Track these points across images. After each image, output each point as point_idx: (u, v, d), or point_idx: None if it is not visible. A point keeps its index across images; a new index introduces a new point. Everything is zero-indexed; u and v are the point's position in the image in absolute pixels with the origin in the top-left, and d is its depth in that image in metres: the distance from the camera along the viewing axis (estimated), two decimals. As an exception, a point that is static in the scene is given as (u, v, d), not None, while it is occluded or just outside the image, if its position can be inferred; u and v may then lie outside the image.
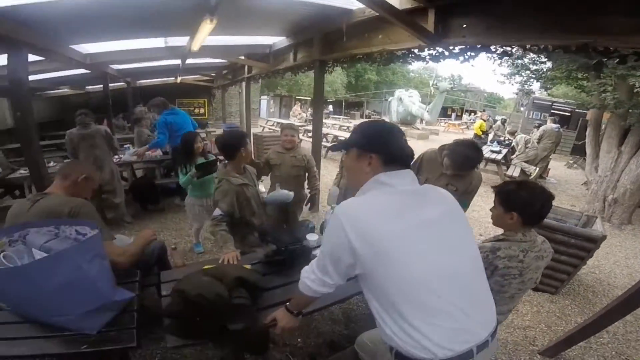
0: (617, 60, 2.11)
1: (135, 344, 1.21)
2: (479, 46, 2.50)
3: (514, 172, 6.86)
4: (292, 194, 2.41)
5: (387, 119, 16.59)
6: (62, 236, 1.33)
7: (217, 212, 1.98)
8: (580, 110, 10.99)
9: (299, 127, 11.58)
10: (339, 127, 11.25)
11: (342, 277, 1.09)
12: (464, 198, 2.25)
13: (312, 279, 1.15)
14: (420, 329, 0.94)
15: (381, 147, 1.09)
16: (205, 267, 1.55)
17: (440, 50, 2.73)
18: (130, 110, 9.02)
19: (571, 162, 10.07)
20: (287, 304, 1.35)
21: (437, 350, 0.93)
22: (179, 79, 9.54)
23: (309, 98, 19.96)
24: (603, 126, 6.45)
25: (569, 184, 7.64)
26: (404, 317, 0.95)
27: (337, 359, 1.25)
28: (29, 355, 1.14)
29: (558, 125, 7.91)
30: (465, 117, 23.58)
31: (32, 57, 3.24)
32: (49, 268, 1.08)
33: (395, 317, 0.97)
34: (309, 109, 15.73)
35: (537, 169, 7.10)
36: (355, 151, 1.15)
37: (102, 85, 6.96)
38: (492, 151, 7.50)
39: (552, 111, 13.16)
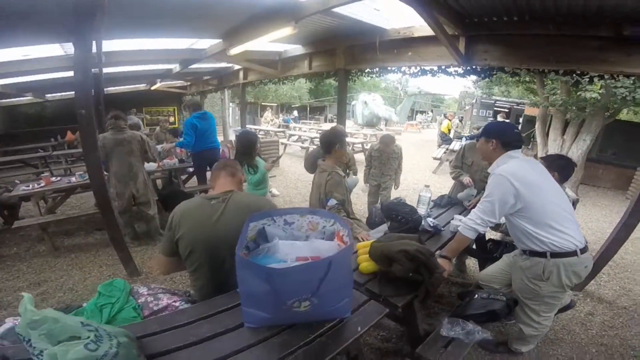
0: (591, 79, 3.12)
1: (386, 312, 1.39)
2: (496, 67, 3.32)
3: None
4: (358, 178, 2.88)
5: (352, 122, 17.61)
6: (280, 224, 1.44)
7: (333, 202, 2.27)
8: (517, 107, 13.09)
9: (276, 132, 11.87)
10: (316, 130, 11.81)
11: (502, 216, 1.72)
12: None
13: (478, 222, 1.72)
14: (565, 231, 1.62)
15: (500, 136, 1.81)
16: (362, 243, 1.89)
17: (467, 68, 3.43)
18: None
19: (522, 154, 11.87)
20: (442, 253, 1.84)
21: (577, 243, 1.62)
22: (157, 85, 9.19)
23: (275, 104, 20.20)
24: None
25: None
26: (554, 227, 1.62)
27: (475, 300, 1.76)
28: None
29: (505, 120, 9.63)
30: (420, 116, 25.72)
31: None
32: (345, 260, 1.22)
33: (548, 229, 1.62)
34: (280, 115, 16.03)
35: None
36: (483, 139, 1.81)
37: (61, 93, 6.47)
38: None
39: (495, 108, 15.23)
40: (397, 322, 2.21)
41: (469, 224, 1.75)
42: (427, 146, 12.05)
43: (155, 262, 1.79)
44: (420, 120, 22.34)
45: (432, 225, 2.30)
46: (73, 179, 3.93)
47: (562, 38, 2.75)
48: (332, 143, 2.40)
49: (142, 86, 9.90)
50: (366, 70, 4.41)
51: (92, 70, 2.69)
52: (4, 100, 8.57)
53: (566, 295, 2.00)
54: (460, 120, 12.66)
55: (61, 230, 3.91)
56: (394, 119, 14.73)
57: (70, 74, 2.43)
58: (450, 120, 11.61)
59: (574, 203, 3.68)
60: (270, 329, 1.23)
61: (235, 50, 3.93)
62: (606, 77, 3.18)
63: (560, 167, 2.31)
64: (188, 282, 2.90)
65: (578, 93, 5.67)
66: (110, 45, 3.95)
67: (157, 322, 1.29)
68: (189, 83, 10.43)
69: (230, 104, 20.02)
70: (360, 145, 9.77)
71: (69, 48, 3.86)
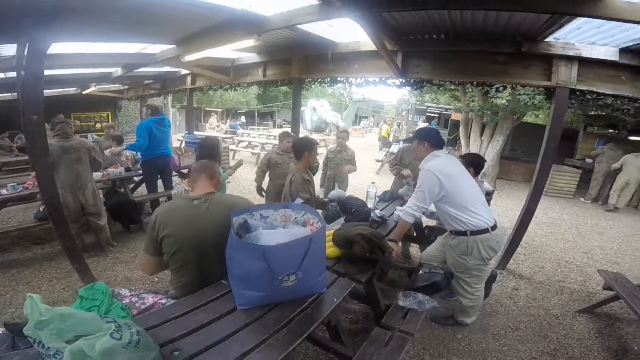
0: (496, 89, 3.86)
1: (353, 285, 1.73)
2: (426, 80, 3.92)
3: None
4: (343, 192, 3.22)
5: (302, 128, 17.99)
6: (256, 218, 1.67)
7: (299, 200, 2.49)
8: (446, 112, 14.81)
9: (224, 139, 11.61)
10: (266, 137, 11.90)
11: (431, 202, 2.16)
12: None
13: (414, 209, 2.13)
14: (479, 212, 2.10)
15: (429, 139, 2.27)
16: (330, 232, 2.16)
17: (403, 80, 3.95)
18: (20, 128, 7.58)
19: (446, 152, 13.39)
20: (390, 237, 2.22)
21: (488, 222, 2.10)
22: (91, 89, 8.44)
23: (220, 110, 19.65)
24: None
25: None
26: (470, 210, 2.09)
27: (420, 275, 2.20)
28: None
29: (427, 124, 11.02)
30: (365, 122, 27.22)
31: None
32: (321, 240, 1.50)
33: (466, 212, 2.09)
34: (227, 121, 15.69)
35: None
36: (416, 142, 2.24)
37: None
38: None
39: (427, 114, 16.95)
40: (362, 302, 2.54)
41: (407, 210, 2.18)
42: (369, 149, 12.93)
43: (141, 262, 1.81)
44: (364, 125, 23.74)
45: (379, 215, 2.75)
46: (4, 191, 3.55)
47: (477, 54, 3.37)
48: (302, 150, 2.71)
49: (71, 90, 8.99)
50: (318, 80, 4.74)
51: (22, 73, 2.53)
52: None
53: (488, 268, 2.51)
54: (398, 125, 13.86)
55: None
56: (341, 125, 15.50)
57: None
58: (389, 125, 12.66)
59: (490, 193, 4.49)
60: (262, 309, 1.43)
61: (190, 57, 3.95)
62: (508, 87, 3.96)
63: (474, 163, 2.96)
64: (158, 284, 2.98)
65: (491, 100, 6.75)
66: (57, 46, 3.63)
67: (155, 315, 1.40)
68: (126, 87, 9.74)
69: (171, 108, 18.97)
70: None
71: (5, 49, 3.51)
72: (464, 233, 2.11)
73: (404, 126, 17.42)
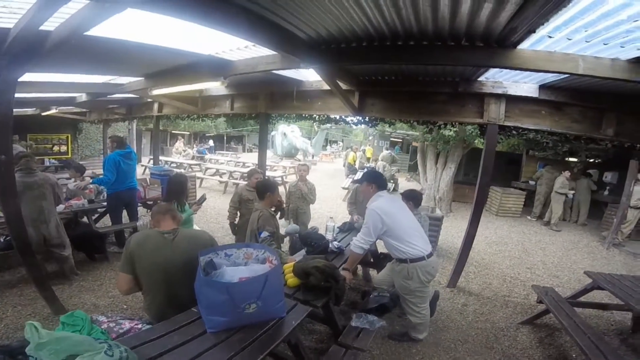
0: (438, 127, 4.37)
1: (310, 310, 1.96)
2: (379, 118, 4.36)
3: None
4: (297, 227, 3.47)
5: (271, 152, 18.23)
6: (221, 256, 1.93)
7: (265, 234, 2.72)
8: (409, 138, 15.86)
9: (190, 165, 11.50)
10: (234, 163, 11.95)
11: (376, 236, 2.48)
12: None
13: (362, 242, 2.47)
14: (416, 243, 2.45)
15: (376, 181, 2.62)
16: (287, 265, 2.39)
17: (359, 118, 4.41)
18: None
19: (409, 176, 14.26)
20: (344, 265, 2.52)
21: (424, 251, 2.46)
22: (52, 112, 8.15)
23: (187, 133, 19.44)
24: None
25: None
26: (408, 241, 2.45)
27: (371, 299, 2.51)
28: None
29: (390, 151, 12.01)
30: (329, 148, 28.09)
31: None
32: (277, 275, 1.77)
33: (405, 243, 2.45)
34: (194, 146, 15.57)
35: (393, 184, 10.21)
36: (365, 183, 2.59)
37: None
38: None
39: (391, 139, 18.01)
40: (323, 323, 2.77)
41: (356, 243, 2.52)
42: (338, 175, 13.47)
43: (118, 281, 1.92)
44: (333, 151, 24.57)
45: (336, 247, 3.08)
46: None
47: (422, 95, 3.80)
48: (264, 191, 2.97)
49: (30, 110, 8.63)
50: (285, 115, 5.09)
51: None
52: None
53: (430, 289, 2.83)
54: (364, 152, 14.63)
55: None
56: (310, 151, 15.94)
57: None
58: (355, 152, 13.33)
59: (440, 219, 5.01)
60: (228, 332, 1.65)
61: (158, 92, 4.13)
62: (448, 125, 4.41)
63: (412, 197, 3.40)
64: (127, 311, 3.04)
65: (440, 131, 7.51)
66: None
67: (134, 338, 1.58)
68: (88, 110, 9.50)
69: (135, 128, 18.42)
70: (280, 179, 10.24)
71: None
72: (404, 261, 2.47)
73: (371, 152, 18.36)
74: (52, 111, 8.17)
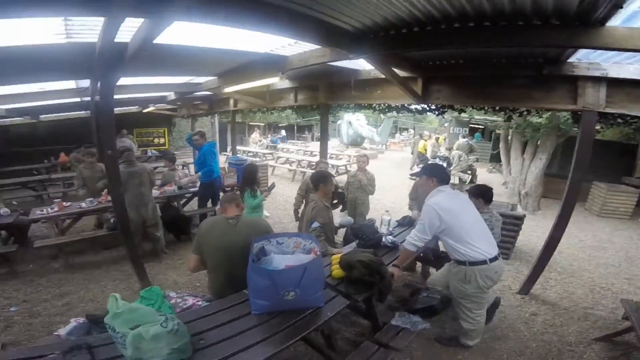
0: (520, 114, 3.80)
1: (348, 303, 2.04)
2: (446, 105, 3.98)
3: (454, 180, 8.71)
4: (351, 219, 3.48)
5: (337, 141, 18.39)
6: (273, 244, 2.12)
7: (316, 224, 2.83)
8: (491, 125, 14.13)
9: (264, 154, 12.34)
10: (303, 152, 12.42)
11: (432, 234, 2.30)
12: None
13: (416, 239, 2.30)
14: (477, 245, 2.21)
15: (437, 175, 2.39)
16: (335, 256, 2.45)
17: (424, 105, 4.11)
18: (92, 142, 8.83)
19: (491, 167, 12.81)
20: (394, 262, 2.42)
21: (486, 254, 2.21)
22: (149, 109, 9.66)
23: (263, 124, 20.84)
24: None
25: (492, 185, 9.60)
26: (468, 242, 2.22)
27: (419, 299, 2.38)
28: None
29: (466, 139, 10.68)
30: (398, 135, 26.87)
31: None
32: (317, 266, 1.87)
33: (464, 244, 2.22)
34: (269, 135, 16.66)
35: (470, 176, 9.29)
36: (425, 177, 2.39)
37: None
38: None
39: (470, 125, 16.32)
40: (364, 318, 2.76)
41: (409, 240, 2.37)
42: (405, 164, 12.87)
43: (188, 260, 2.30)
44: (403, 139, 23.44)
45: (390, 242, 2.97)
46: (83, 204, 4.36)
47: (497, 78, 3.35)
48: (318, 182, 3.05)
49: (134, 109, 10.37)
50: (344, 106, 5.07)
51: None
52: None
53: (490, 295, 2.57)
54: (437, 140, 13.59)
55: (72, 249, 4.30)
56: (376, 139, 15.56)
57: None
58: (425, 140, 12.49)
59: (521, 218, 4.40)
60: (269, 315, 1.81)
61: (228, 89, 4.54)
62: (532, 111, 3.78)
63: (481, 194, 3.05)
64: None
65: (527, 118, 6.49)
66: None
67: (192, 313, 1.87)
68: (179, 104, 10.95)
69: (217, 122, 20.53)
70: (344, 168, 10.32)
71: (81, 82, 4.42)
72: (463, 263, 2.26)
73: (446, 138, 16.94)
74: (150, 108, 9.63)
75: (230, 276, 2.13)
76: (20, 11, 1.46)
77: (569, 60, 2.86)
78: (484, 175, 11.84)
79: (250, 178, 3.85)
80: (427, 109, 4.21)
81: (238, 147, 14.35)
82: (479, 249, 2.22)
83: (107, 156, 2.90)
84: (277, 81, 3.64)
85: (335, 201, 4.00)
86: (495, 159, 11.98)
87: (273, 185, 4.16)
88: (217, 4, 1.73)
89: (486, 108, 3.96)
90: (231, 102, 7.78)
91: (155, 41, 2.07)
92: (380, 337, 2.07)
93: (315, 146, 17.57)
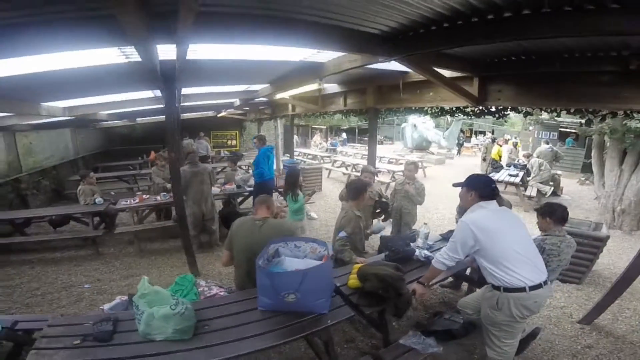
0: (603, 117, 3.11)
1: (353, 314, 2.00)
2: (509, 107, 3.52)
3: (532, 192, 7.62)
4: (385, 224, 3.30)
5: (401, 145, 17.66)
6: (290, 247, 2.23)
7: (343, 234, 2.80)
8: (587, 129, 11.93)
9: (322, 157, 12.55)
10: (360, 156, 12.27)
11: (464, 254, 2.07)
12: None
13: (446, 258, 2.11)
14: (516, 270, 1.91)
15: (478, 188, 2.12)
16: (356, 265, 2.40)
17: (481, 108, 3.70)
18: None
19: (583, 179, 10.86)
20: (420, 279, 2.26)
21: (527, 281, 1.90)
22: (223, 113, 10.73)
23: (324, 127, 21.30)
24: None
25: (583, 199, 8.42)
26: (506, 266, 1.93)
27: (446, 320, 2.14)
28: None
29: (550, 145, 9.34)
30: (474, 139, 24.55)
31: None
32: (329, 265, 1.95)
33: (501, 267, 1.94)
34: (329, 139, 16.97)
35: (551, 187, 8.02)
36: (465, 189, 2.17)
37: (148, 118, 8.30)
38: (510, 175, 8.18)
39: (560, 129, 14.07)
40: (378, 332, 2.60)
41: (438, 258, 2.15)
42: (476, 171, 11.68)
43: (223, 255, 2.55)
44: (477, 143, 21.28)
45: (424, 256, 2.75)
46: (158, 197, 5.09)
47: (573, 74, 2.80)
48: (352, 194, 3.02)
49: (210, 113, 11.66)
50: (393, 110, 4.89)
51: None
52: (104, 123, 10.44)
53: (523, 325, 2.20)
54: (515, 146, 12.00)
55: (145, 236, 5.05)
56: (443, 143, 14.49)
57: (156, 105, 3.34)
58: (500, 146, 11.20)
59: (602, 239, 3.68)
60: (273, 313, 1.89)
61: (279, 95, 4.81)
62: (619, 114, 3.02)
63: (548, 212, 2.63)
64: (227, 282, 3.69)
65: (624, 122, 5.35)
66: (187, 89, 5.28)
67: (209, 301, 2.16)
68: (247, 109, 11.91)
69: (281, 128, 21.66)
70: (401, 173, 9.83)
71: (157, 92, 5.18)
72: (497, 288, 1.99)
73: (530, 144, 14.85)
74: (223, 113, 10.68)
75: (251, 273, 2.24)
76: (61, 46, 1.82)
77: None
78: (573, 187, 10.12)
79: (292, 182, 3.99)
80: (486, 111, 3.78)
81: (299, 150, 15.01)
82: (517, 274, 1.93)
83: (171, 157, 3.36)
84: (316, 87, 3.74)
85: (378, 210, 3.89)
86: (588, 168, 10.12)
87: (314, 191, 4.26)
88: (231, 25, 1.91)
89: (559, 110, 3.37)
90: (290, 106, 8.18)
91: (196, 57, 2.33)
92: (384, 353, 1.97)
93: (377, 150, 17.25)
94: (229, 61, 3.16)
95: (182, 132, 10.42)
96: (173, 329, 1.60)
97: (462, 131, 21.35)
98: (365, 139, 25.53)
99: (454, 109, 4.08)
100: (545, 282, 1.96)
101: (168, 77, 2.94)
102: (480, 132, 28.70)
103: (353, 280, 2.27)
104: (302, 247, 2.22)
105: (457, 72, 3.41)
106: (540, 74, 3.02)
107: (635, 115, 3.21)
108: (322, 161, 12.39)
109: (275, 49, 2.65)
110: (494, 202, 2.15)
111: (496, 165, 10.35)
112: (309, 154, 13.94)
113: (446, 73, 3.46)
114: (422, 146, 15.78)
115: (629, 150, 6.27)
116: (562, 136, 14.63)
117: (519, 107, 3.55)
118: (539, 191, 7.79)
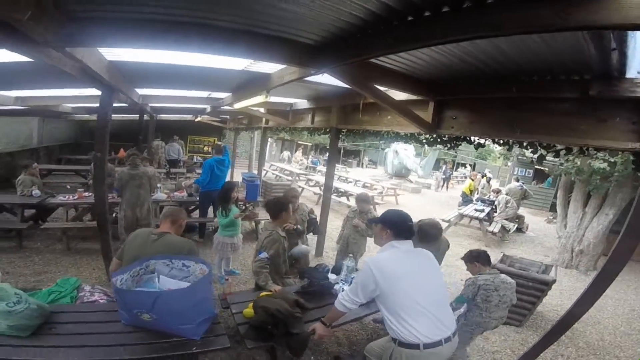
0: (554, 154, 2.97)
1: (228, 345, 1.81)
2: (462, 136, 3.38)
3: (495, 228, 7.57)
4: (309, 248, 3.14)
5: (382, 170, 17.70)
6: (177, 267, 2.05)
7: (264, 255, 2.60)
8: (562, 167, 12.11)
9: (299, 175, 12.31)
10: (337, 177, 12.07)
11: (366, 298, 1.88)
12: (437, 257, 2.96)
13: (346, 299, 1.91)
14: (413, 324, 1.72)
15: (394, 226, 1.94)
16: (262, 294, 2.22)
17: (435, 136, 3.59)
18: (149, 143, 9.87)
19: (551, 217, 11.00)
20: (322, 318, 2.04)
21: (423, 337, 1.70)
22: (198, 118, 10.55)
23: (309, 144, 21.30)
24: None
25: (547, 237, 8.48)
26: (403, 318, 1.74)
27: None
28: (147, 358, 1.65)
29: (520, 183, 9.56)
30: (460, 170, 24.94)
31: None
32: (195, 290, 1.77)
33: (398, 319, 1.75)
34: (309, 156, 16.88)
35: (515, 224, 8.07)
36: (380, 226, 1.97)
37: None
38: (476, 210, 8.28)
39: (535, 167, 14.29)
40: None
41: (339, 299, 1.94)
42: (452, 204, 11.71)
43: (112, 263, 2.35)
44: (456, 175, 21.56)
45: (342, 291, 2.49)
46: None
47: (525, 101, 2.50)
48: (272, 211, 2.85)
49: (189, 117, 11.45)
50: (353, 131, 4.77)
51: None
52: (77, 116, 10.02)
53: None
54: (488, 181, 12.16)
55: (79, 235, 4.71)
56: (419, 172, 14.60)
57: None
58: (472, 180, 11.33)
59: (547, 283, 3.54)
60: (140, 328, 1.76)
61: (237, 105, 4.69)
62: (574, 150, 2.82)
63: (475, 257, 2.78)
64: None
65: (588, 162, 5.36)
66: (154, 91, 5.38)
67: (72, 307, 2.09)
68: (227, 117, 11.72)
69: (270, 138, 21.51)
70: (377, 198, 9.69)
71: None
72: (393, 340, 1.79)
73: (506, 180, 15.10)
74: (199, 118, 10.49)
75: None
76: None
77: (627, 75, 1.93)
78: (540, 224, 10.23)
79: (223, 197, 3.84)
80: (437, 139, 3.69)
81: (275, 164, 14.77)
82: (412, 329, 1.70)
83: (95, 157, 3.13)
84: (261, 100, 3.67)
85: (296, 227, 3.54)
86: (556, 207, 10.28)
87: (253, 207, 4.07)
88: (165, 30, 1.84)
89: (511, 142, 3.15)
90: (263, 119, 8.03)
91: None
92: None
93: (357, 173, 17.10)
94: (178, 66, 3.09)
95: (155, 132, 10.27)
96: (7, 325, 1.64)
97: (446, 163, 21.73)
98: (349, 160, 25.67)
99: (409, 134, 3.98)
100: (448, 339, 1.75)
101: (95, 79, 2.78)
102: (462, 164, 29.31)
103: (249, 310, 2.06)
104: (191, 268, 2.08)
105: (412, 95, 3.20)
106: (496, 100, 2.73)
107: (592, 151, 2.99)
108: (297, 178, 12.11)
109: (217, 57, 2.53)
110: (408, 242, 1.96)
111: (466, 199, 10.39)
112: (284, 169, 13.63)
113: (401, 95, 3.35)
114: (402, 173, 15.81)
115: (593, 193, 6.32)
116: (540, 174, 14.70)
117: (471, 137, 3.44)
118: (502, 227, 7.78)
